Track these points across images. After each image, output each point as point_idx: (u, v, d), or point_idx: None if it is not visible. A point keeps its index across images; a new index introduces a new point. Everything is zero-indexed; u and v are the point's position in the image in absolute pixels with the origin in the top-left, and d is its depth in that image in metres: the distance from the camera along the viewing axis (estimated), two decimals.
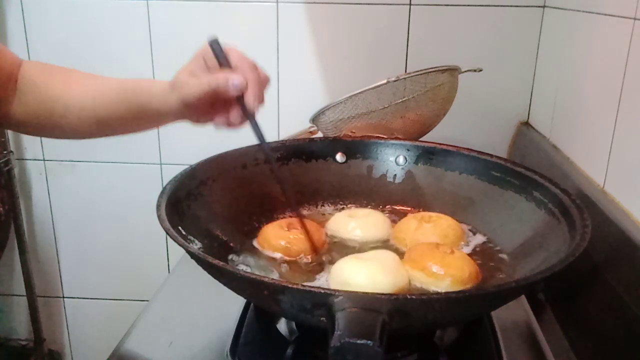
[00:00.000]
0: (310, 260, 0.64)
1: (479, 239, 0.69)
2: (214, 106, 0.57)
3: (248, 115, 0.56)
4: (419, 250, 0.62)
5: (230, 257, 0.64)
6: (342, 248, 0.68)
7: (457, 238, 0.68)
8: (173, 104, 0.57)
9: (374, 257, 0.60)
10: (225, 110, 0.57)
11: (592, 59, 0.81)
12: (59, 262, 1.35)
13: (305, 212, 0.76)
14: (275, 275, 0.62)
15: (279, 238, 0.66)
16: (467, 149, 0.75)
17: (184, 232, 0.57)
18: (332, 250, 0.67)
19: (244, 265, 0.63)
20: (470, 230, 0.70)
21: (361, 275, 0.56)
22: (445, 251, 0.60)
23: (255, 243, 0.68)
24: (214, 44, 0.56)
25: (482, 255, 0.65)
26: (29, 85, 0.63)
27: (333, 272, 0.59)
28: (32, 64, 0.65)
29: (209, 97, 0.55)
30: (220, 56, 0.56)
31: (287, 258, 0.65)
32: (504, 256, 0.64)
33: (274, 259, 0.65)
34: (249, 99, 0.55)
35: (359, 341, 0.37)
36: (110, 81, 0.63)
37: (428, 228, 0.67)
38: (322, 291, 0.42)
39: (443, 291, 0.57)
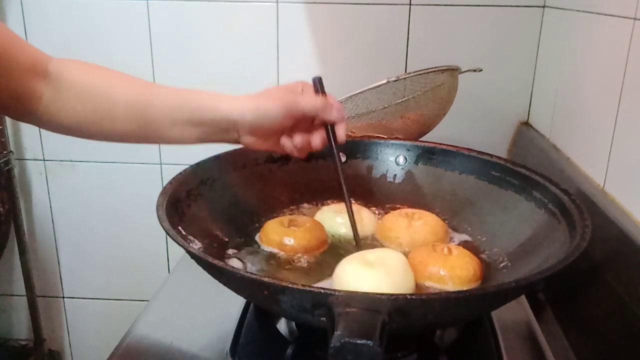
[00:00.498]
0: (309, 259, 0.65)
1: (463, 237, 0.69)
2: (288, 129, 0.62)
3: (335, 143, 0.63)
4: (419, 257, 0.61)
5: (229, 252, 0.65)
6: (341, 248, 0.67)
7: (445, 234, 0.68)
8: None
9: (381, 261, 0.56)
10: (294, 134, 0.63)
11: (592, 59, 0.81)
12: (59, 262, 1.35)
13: (304, 211, 0.76)
14: (273, 274, 0.62)
15: (278, 234, 0.66)
16: (467, 149, 0.75)
17: (184, 232, 0.57)
18: (332, 249, 0.67)
19: (242, 262, 0.63)
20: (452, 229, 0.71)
21: (365, 284, 0.54)
22: (445, 253, 0.60)
23: (257, 238, 0.68)
24: (317, 80, 0.63)
25: None
26: (67, 82, 0.61)
27: (336, 274, 0.57)
28: (69, 61, 0.63)
29: (306, 116, 0.61)
30: (321, 90, 0.63)
31: (284, 255, 0.65)
32: (484, 256, 0.64)
33: (273, 256, 0.65)
34: (341, 131, 0.63)
35: (358, 341, 0.37)
36: (169, 90, 0.63)
37: (419, 225, 0.67)
38: (322, 291, 0.42)
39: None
